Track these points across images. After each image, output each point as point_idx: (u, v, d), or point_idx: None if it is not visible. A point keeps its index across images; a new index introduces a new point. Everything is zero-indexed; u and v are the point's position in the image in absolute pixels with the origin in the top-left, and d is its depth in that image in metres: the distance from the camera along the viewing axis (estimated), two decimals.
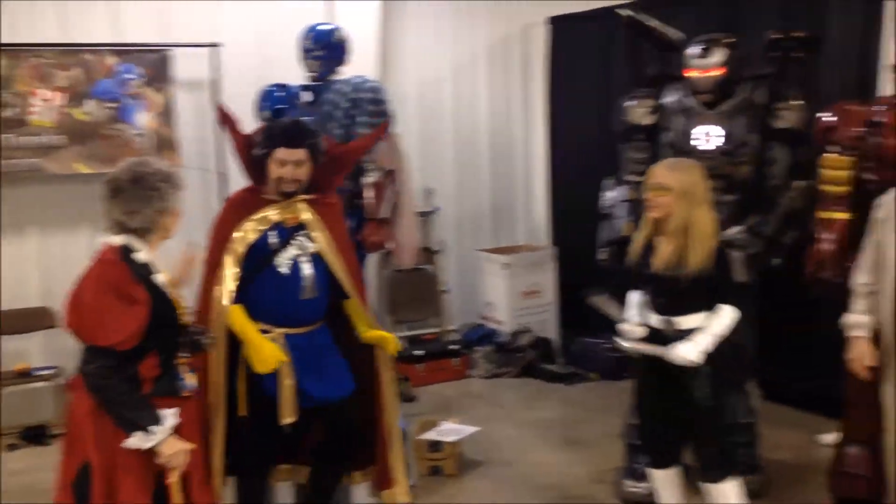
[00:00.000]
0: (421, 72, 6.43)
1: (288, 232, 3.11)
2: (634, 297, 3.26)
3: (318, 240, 3.14)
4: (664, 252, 3.08)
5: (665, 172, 3.11)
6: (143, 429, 2.36)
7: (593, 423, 4.94)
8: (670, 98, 3.90)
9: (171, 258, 2.68)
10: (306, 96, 4.55)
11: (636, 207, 3.89)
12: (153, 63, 5.28)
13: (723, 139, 3.72)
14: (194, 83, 5.48)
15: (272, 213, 3.10)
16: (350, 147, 3.68)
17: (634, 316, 3.22)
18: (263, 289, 3.07)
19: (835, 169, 3.49)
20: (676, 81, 3.95)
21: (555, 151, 6.58)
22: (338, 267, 3.18)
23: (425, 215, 6.32)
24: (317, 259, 3.12)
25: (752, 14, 5.07)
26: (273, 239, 3.09)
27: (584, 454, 4.54)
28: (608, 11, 5.91)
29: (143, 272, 2.45)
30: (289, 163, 3.05)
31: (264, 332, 3.03)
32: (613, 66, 5.84)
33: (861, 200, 3.48)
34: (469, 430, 4.45)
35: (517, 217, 7.03)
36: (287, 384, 3.00)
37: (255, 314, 3.05)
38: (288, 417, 3.01)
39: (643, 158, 3.98)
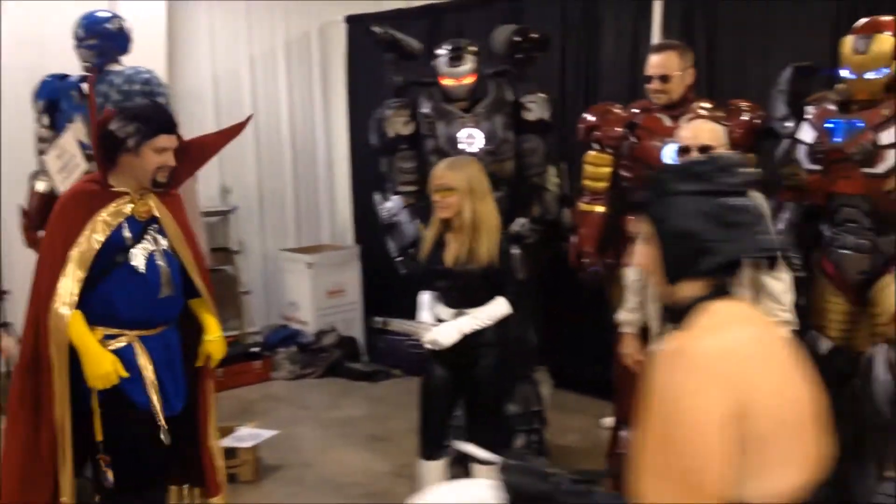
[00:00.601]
0: (217, 67, 6.24)
1: (141, 226, 2.85)
2: (425, 298, 3.33)
3: (170, 234, 2.93)
4: (454, 248, 3.19)
5: (448, 173, 3.20)
6: None
7: (397, 419, 4.97)
8: (427, 106, 4.02)
9: None
10: (85, 88, 4.26)
11: (418, 211, 4.03)
12: None
13: (485, 140, 3.89)
14: None
15: (125, 207, 2.83)
16: (207, 140, 3.30)
17: (427, 317, 3.30)
18: (117, 288, 2.79)
19: (595, 165, 3.74)
20: (426, 87, 4.10)
21: (357, 150, 6.57)
22: (189, 262, 2.98)
23: (223, 215, 6.11)
24: (169, 255, 2.91)
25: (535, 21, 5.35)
26: (127, 233, 2.82)
27: (387, 450, 4.56)
28: (402, 12, 6.05)
29: None
30: (168, 150, 2.82)
31: (113, 336, 2.78)
32: (406, 66, 5.95)
33: (617, 196, 3.76)
34: (267, 433, 4.35)
35: (321, 216, 6.97)
36: (154, 396, 2.81)
37: (103, 318, 2.77)
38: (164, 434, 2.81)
39: (412, 168, 4.13)
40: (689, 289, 1.55)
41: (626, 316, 3.31)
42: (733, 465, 1.36)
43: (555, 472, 1.68)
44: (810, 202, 3.44)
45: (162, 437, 2.80)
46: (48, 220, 2.91)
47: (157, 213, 2.89)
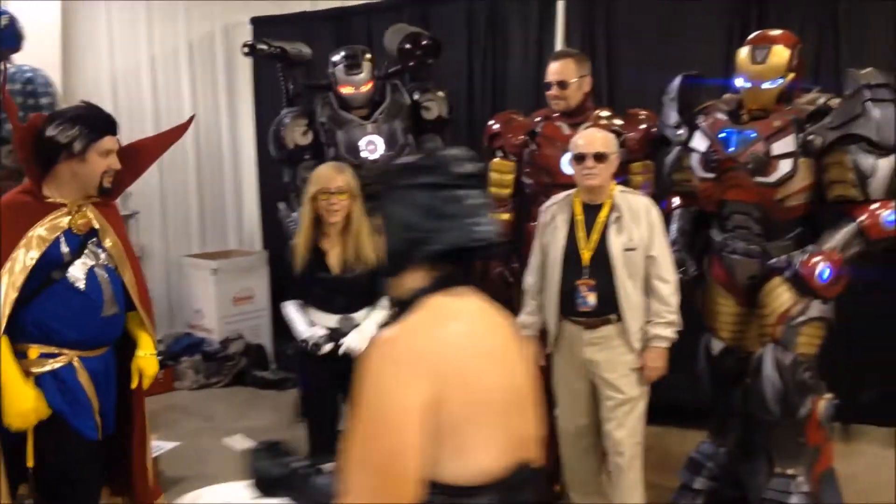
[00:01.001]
0: (115, 67, 6.06)
1: (79, 240, 2.65)
2: (292, 309, 3.31)
3: (111, 247, 2.74)
4: (339, 253, 3.23)
5: (338, 175, 3.22)
6: None
7: (306, 429, 4.90)
8: (324, 114, 4.01)
9: None
10: None
11: None
12: None
13: (386, 145, 3.90)
14: None
15: (62, 219, 2.62)
16: (147, 144, 3.09)
17: (309, 326, 3.26)
18: (55, 306, 2.60)
19: (499, 172, 3.79)
20: (322, 93, 4.09)
21: (264, 153, 6.42)
22: (129, 276, 2.80)
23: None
24: (111, 270, 2.72)
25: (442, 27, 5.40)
26: (64, 248, 2.61)
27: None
28: (308, 15, 6.02)
29: None
30: (113, 152, 2.64)
31: (50, 355, 2.61)
32: (311, 70, 5.93)
33: (521, 203, 3.83)
34: (168, 445, 4.22)
35: (228, 221, 6.83)
36: (96, 418, 2.68)
37: (38, 337, 2.59)
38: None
39: None
40: (411, 280, 1.60)
41: (525, 319, 3.36)
42: (428, 454, 1.43)
43: (294, 457, 1.74)
44: (700, 208, 3.57)
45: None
46: None
47: (96, 226, 2.70)
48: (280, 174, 4.48)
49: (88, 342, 2.67)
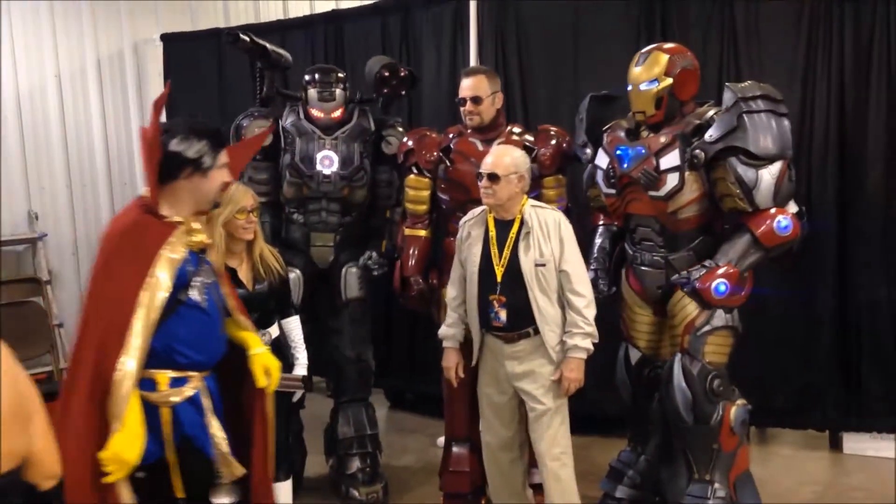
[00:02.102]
0: (20, 84, 5.86)
1: (198, 258, 2.53)
2: None
3: (215, 261, 2.67)
4: (246, 269, 3.21)
5: (248, 193, 3.19)
6: None
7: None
8: (289, 120, 3.97)
9: None
10: None
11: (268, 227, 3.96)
12: None
13: (340, 164, 3.88)
14: None
15: (185, 238, 2.48)
16: (233, 151, 2.85)
17: None
18: (178, 329, 2.43)
19: (415, 189, 3.81)
20: (291, 101, 4.05)
21: None
22: (227, 285, 2.73)
23: (29, 243, 5.72)
24: (216, 286, 2.62)
25: (357, 44, 5.41)
26: (190, 267, 2.48)
27: None
28: (217, 32, 5.96)
29: None
30: (227, 165, 2.54)
31: (181, 381, 2.45)
32: (227, 86, 5.86)
33: (438, 219, 3.88)
34: None
35: None
36: (223, 445, 2.53)
37: (165, 361, 2.41)
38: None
39: (264, 179, 4.02)
40: None
41: (445, 331, 3.39)
42: None
43: None
44: (611, 222, 3.67)
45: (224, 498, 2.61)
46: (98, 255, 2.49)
47: (206, 241, 2.60)
48: None
49: (209, 362, 2.55)
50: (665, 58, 3.25)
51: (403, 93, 4.13)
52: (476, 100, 3.57)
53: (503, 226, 3.20)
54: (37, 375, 5.62)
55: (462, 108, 3.62)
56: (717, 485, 3.29)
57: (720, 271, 3.16)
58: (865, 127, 4.14)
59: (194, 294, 2.48)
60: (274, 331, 3.29)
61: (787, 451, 4.53)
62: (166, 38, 6.17)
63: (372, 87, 4.05)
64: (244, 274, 3.19)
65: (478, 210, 3.32)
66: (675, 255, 3.35)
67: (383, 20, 5.35)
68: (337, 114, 3.95)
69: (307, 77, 3.99)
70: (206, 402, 2.52)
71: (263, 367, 2.68)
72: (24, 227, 5.86)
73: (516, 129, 3.71)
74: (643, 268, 3.43)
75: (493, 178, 3.14)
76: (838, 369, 4.29)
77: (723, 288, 3.15)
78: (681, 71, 3.25)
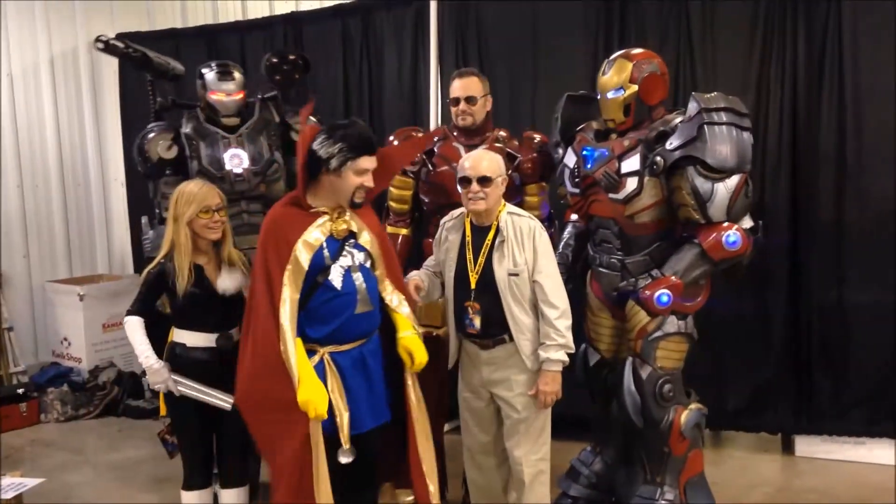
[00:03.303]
0: None
1: (339, 244, 2.89)
2: (139, 329, 3.08)
3: (369, 248, 2.95)
4: (216, 269, 3.15)
5: (212, 191, 3.15)
6: None
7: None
8: (189, 127, 3.93)
9: None
10: None
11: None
12: None
13: (250, 160, 3.85)
14: None
15: (325, 227, 2.87)
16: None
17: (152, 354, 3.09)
18: (317, 307, 2.85)
19: (399, 188, 3.79)
20: (189, 109, 4.03)
21: (134, 172, 6.20)
22: (382, 272, 2.99)
23: None
24: (365, 270, 2.93)
25: (317, 46, 5.38)
26: (326, 253, 2.86)
27: (174, 493, 4.25)
28: (177, 32, 5.91)
29: None
30: (368, 171, 2.85)
31: (311, 353, 2.83)
32: (183, 87, 5.80)
33: (420, 218, 3.87)
34: (32, 482, 3.96)
35: (96, 244, 6.56)
36: (340, 417, 2.83)
37: (303, 335, 2.83)
38: (344, 457, 2.85)
39: None
40: None
41: (413, 273, 3.29)
42: None
43: None
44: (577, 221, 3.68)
45: (340, 457, 2.83)
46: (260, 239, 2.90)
47: (354, 229, 2.92)
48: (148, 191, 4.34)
49: (337, 338, 2.86)
50: (630, 65, 3.27)
51: (297, 77, 4.11)
52: (470, 99, 3.58)
53: (479, 232, 3.14)
54: None
55: (454, 108, 3.63)
56: (666, 487, 3.32)
57: (664, 283, 3.17)
58: (817, 134, 4.21)
59: (332, 276, 2.84)
60: (236, 334, 3.16)
61: (740, 453, 4.57)
62: (122, 37, 6.05)
63: (266, 79, 4.04)
64: (211, 273, 3.13)
65: (457, 212, 3.26)
66: (631, 258, 3.37)
67: (344, 22, 5.34)
68: (237, 96, 3.90)
69: (202, 69, 3.97)
70: (330, 375, 2.84)
71: (407, 350, 2.97)
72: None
73: (502, 134, 3.72)
74: (601, 269, 3.46)
75: (484, 181, 3.04)
76: (790, 372, 4.36)
77: (665, 299, 3.16)
78: (648, 76, 3.26)
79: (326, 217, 2.89)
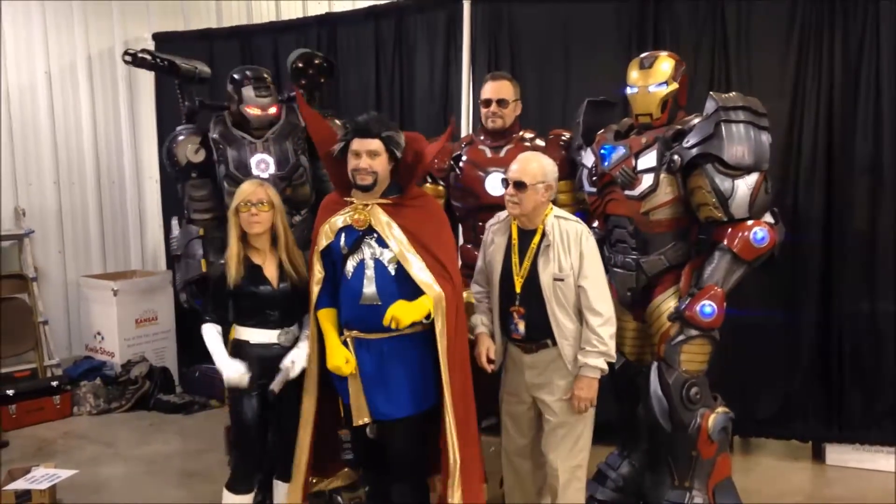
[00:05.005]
0: (9, 82, 5.86)
1: (357, 235, 2.98)
2: (214, 336, 3.17)
3: (393, 244, 2.95)
4: (272, 266, 3.19)
5: (259, 188, 3.19)
6: None
7: (212, 453, 4.78)
8: (217, 131, 3.98)
9: None
10: None
11: (210, 244, 3.99)
12: None
13: (276, 165, 3.90)
14: None
15: (344, 216, 3.01)
16: (423, 149, 3.20)
17: (230, 359, 3.14)
18: (340, 291, 3.04)
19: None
20: (217, 112, 4.08)
21: (168, 171, 6.30)
22: (417, 270, 2.93)
23: (16, 239, 5.70)
24: (381, 265, 2.97)
25: (350, 48, 5.42)
26: (342, 242, 3.01)
27: (201, 487, 4.35)
28: (211, 32, 5.97)
29: None
30: (362, 153, 2.93)
31: (340, 332, 3.04)
32: (217, 87, 5.85)
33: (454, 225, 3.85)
34: (65, 473, 4.07)
35: (130, 240, 6.65)
36: (353, 389, 3.00)
37: (339, 316, 3.06)
38: (360, 419, 3.01)
39: (203, 196, 4.07)
40: None
41: (476, 318, 3.29)
42: None
43: None
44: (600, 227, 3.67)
45: (368, 432, 3.04)
46: None
47: (374, 223, 2.96)
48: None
49: (355, 325, 3.01)
50: (673, 62, 3.32)
51: (322, 81, 4.13)
52: (502, 102, 3.62)
53: (525, 235, 3.12)
54: (21, 372, 5.61)
55: (485, 110, 3.66)
56: (695, 491, 3.32)
57: (705, 294, 3.18)
58: (853, 141, 4.17)
59: (347, 264, 2.99)
60: (295, 331, 3.25)
61: (770, 461, 4.54)
62: (158, 38, 6.15)
63: (291, 81, 4.07)
64: (270, 272, 3.19)
65: (503, 214, 3.24)
66: (646, 258, 3.37)
67: (377, 24, 5.37)
68: (273, 110, 3.95)
69: (237, 76, 3.99)
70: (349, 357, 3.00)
71: (391, 314, 2.88)
72: (11, 223, 5.85)
73: (528, 135, 3.73)
74: (616, 269, 3.45)
75: (520, 185, 3.03)
76: (821, 380, 4.32)
77: (709, 310, 3.17)
78: (683, 77, 3.34)
79: (351, 207, 3.02)
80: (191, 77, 4.20)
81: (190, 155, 4.03)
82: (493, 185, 3.63)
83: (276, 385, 3.13)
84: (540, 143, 3.71)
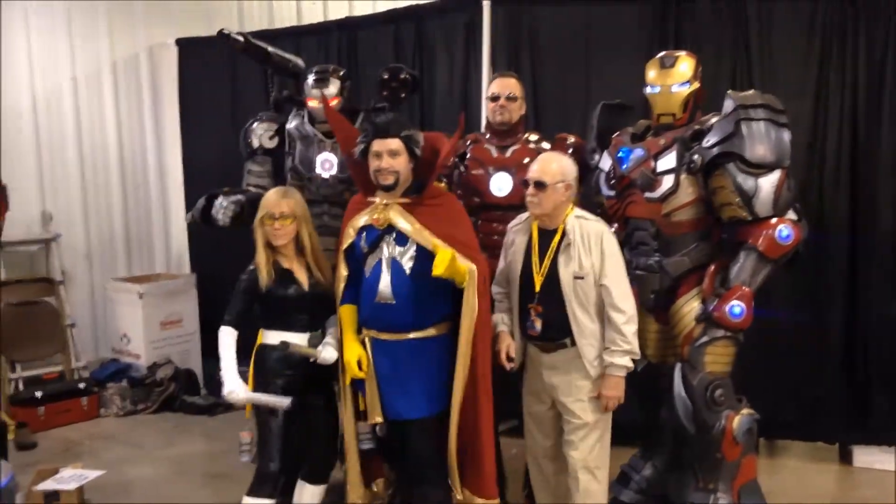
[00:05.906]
0: (36, 88, 5.94)
1: (378, 234, 3.02)
2: (228, 342, 3.17)
3: (413, 242, 2.99)
4: (303, 272, 3.23)
5: (283, 201, 3.21)
6: None
7: (237, 455, 4.78)
8: (293, 124, 4.00)
9: None
10: None
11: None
12: None
13: (339, 167, 3.89)
14: None
15: (366, 215, 3.07)
16: (439, 146, 3.20)
17: (235, 374, 3.15)
18: (360, 291, 3.07)
19: None
20: (300, 107, 4.08)
21: (191, 175, 6.38)
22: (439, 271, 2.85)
23: (43, 243, 5.78)
24: (397, 264, 3.00)
25: (369, 50, 5.43)
26: (363, 241, 3.06)
27: (227, 488, 4.37)
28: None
29: None
30: (383, 153, 2.98)
31: (359, 330, 3.09)
32: (241, 90, 5.88)
33: None
34: (93, 474, 4.10)
35: (154, 244, 6.72)
36: (368, 389, 3.05)
37: (359, 314, 3.10)
38: (374, 418, 3.05)
39: (262, 172, 4.10)
40: None
41: (497, 316, 3.28)
42: None
43: None
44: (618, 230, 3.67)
45: (378, 430, 3.13)
46: None
47: (395, 222, 2.99)
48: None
49: (371, 324, 3.06)
50: (692, 61, 3.33)
51: (403, 96, 4.15)
52: (511, 98, 3.63)
53: (546, 235, 3.14)
54: (49, 374, 5.69)
55: (492, 105, 3.67)
56: (720, 493, 3.30)
57: (733, 294, 3.17)
58: (878, 143, 4.13)
59: (367, 263, 3.05)
60: (321, 334, 3.27)
61: (796, 463, 4.51)
62: (181, 43, 6.21)
63: (376, 92, 4.09)
64: (300, 275, 3.22)
65: (524, 215, 3.26)
66: (668, 259, 3.36)
67: (396, 28, 5.39)
68: (333, 103, 3.88)
69: (305, 71, 4.03)
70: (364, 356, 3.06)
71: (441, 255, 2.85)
72: (38, 227, 5.93)
73: (533, 137, 3.74)
74: (638, 272, 3.43)
75: (540, 185, 3.05)
76: (847, 382, 4.28)
77: (738, 310, 3.16)
78: (700, 78, 3.33)
79: (373, 206, 3.06)
80: (283, 67, 4.24)
81: (264, 140, 4.08)
82: (498, 184, 3.65)
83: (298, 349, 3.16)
84: (545, 145, 3.71)
